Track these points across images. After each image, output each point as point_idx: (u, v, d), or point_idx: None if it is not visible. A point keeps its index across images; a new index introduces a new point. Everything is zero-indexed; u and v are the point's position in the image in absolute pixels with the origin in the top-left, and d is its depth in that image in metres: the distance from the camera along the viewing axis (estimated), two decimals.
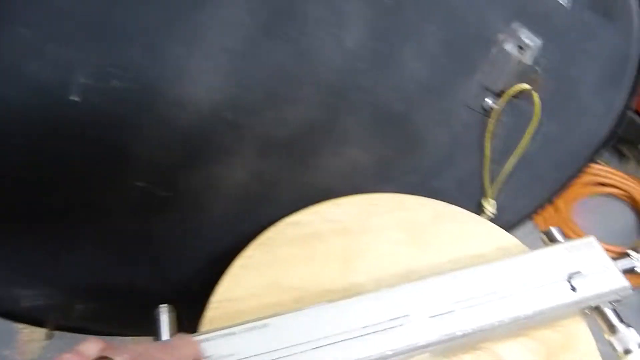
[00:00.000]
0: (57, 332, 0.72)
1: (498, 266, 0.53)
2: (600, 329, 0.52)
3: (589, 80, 0.72)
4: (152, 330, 0.49)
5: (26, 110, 0.49)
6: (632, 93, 0.77)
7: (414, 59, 0.58)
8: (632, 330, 0.49)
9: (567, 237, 0.58)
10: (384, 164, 0.67)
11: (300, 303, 0.56)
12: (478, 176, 0.73)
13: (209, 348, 0.46)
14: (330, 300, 0.50)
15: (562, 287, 0.51)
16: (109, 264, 0.65)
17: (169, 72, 0.51)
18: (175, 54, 0.50)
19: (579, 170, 0.90)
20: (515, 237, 0.62)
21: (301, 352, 0.47)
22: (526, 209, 0.92)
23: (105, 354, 0.34)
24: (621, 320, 0.50)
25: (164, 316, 0.50)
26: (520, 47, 0.61)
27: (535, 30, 0.61)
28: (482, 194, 0.76)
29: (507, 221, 0.88)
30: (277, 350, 0.46)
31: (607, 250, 0.56)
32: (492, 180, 0.73)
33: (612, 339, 0.50)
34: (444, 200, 0.67)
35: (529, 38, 0.61)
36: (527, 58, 0.62)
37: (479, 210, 0.77)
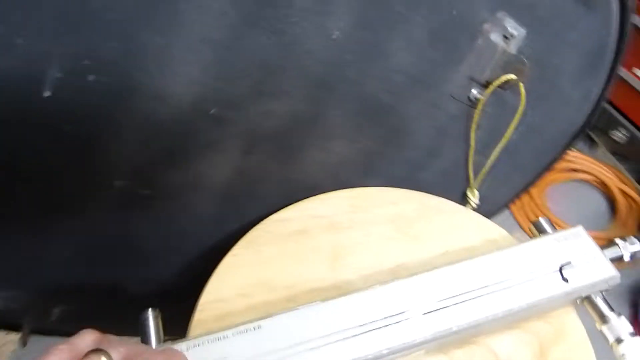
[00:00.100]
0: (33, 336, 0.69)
1: (489, 259, 0.53)
2: (591, 318, 0.52)
3: (569, 70, 0.72)
4: (134, 331, 0.47)
5: None
6: (609, 82, 0.78)
7: (401, 50, 0.57)
8: (622, 318, 0.50)
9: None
10: (369, 157, 0.66)
11: (291, 302, 0.55)
12: (462, 167, 0.73)
13: (201, 353, 0.44)
14: (324, 299, 0.49)
15: (554, 279, 0.51)
16: (88, 265, 0.63)
17: (148, 64, 0.48)
18: (154, 45, 0.47)
19: (556, 159, 0.91)
20: None
21: (297, 353, 0.45)
22: (506, 198, 0.92)
23: (100, 347, 0.33)
24: (611, 309, 0.51)
25: (151, 320, 0.48)
26: (506, 37, 0.61)
27: (520, 19, 0.61)
28: (467, 184, 0.75)
29: (488, 211, 0.88)
30: (272, 352, 0.45)
31: None
32: (477, 171, 0.73)
33: (604, 329, 0.50)
34: (429, 192, 0.66)
35: (513, 27, 0.60)
36: (512, 48, 0.61)
37: (463, 200, 0.77)
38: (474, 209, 0.76)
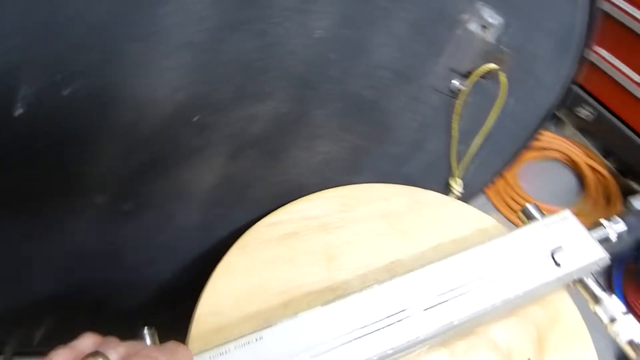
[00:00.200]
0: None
1: (483, 250, 0.53)
2: (584, 300, 0.53)
3: (542, 55, 0.73)
4: None
5: None
6: (580, 63, 0.80)
7: (382, 46, 0.56)
8: (614, 297, 0.51)
9: (516, 202, 0.59)
10: (355, 154, 0.65)
11: (287, 308, 0.54)
12: (445, 157, 0.73)
13: None
14: (325, 304, 0.48)
15: (547, 264, 0.52)
16: (69, 284, 0.60)
17: (127, 73, 0.46)
18: (132, 53, 0.45)
19: (530, 140, 0.92)
20: None
21: None
22: (483, 183, 0.94)
23: (99, 349, 0.33)
24: (603, 290, 0.52)
25: (147, 339, 0.46)
26: (484, 26, 0.61)
27: (497, 8, 0.61)
28: (449, 174, 0.76)
29: (466, 196, 0.89)
30: None
31: (552, 211, 0.58)
32: (458, 160, 0.73)
33: (597, 309, 0.51)
34: (414, 185, 0.66)
35: (491, 16, 0.61)
36: (491, 37, 0.62)
37: (446, 190, 0.77)
38: (458, 198, 0.77)
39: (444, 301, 0.49)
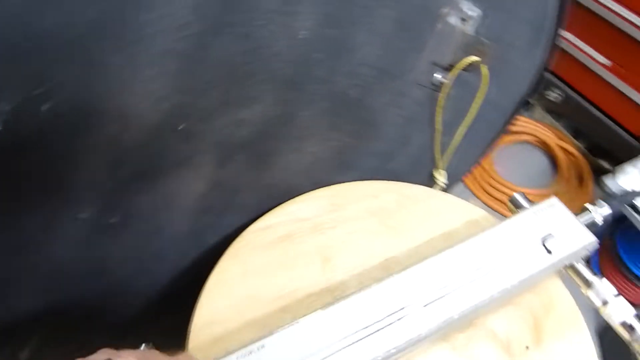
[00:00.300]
0: None
1: (476, 242, 0.54)
2: (575, 284, 0.55)
3: (518, 44, 0.74)
4: None
5: None
6: (552, 49, 0.81)
7: (366, 44, 0.56)
8: (605, 281, 0.53)
9: (493, 187, 0.60)
10: (342, 152, 0.65)
11: (285, 312, 0.53)
12: (429, 150, 0.73)
13: None
14: (324, 307, 0.48)
15: (539, 252, 0.53)
16: (57, 301, 0.58)
17: (109, 84, 0.44)
18: (114, 64, 0.43)
19: (506, 127, 0.94)
20: None
21: None
22: (463, 171, 0.95)
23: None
24: (594, 274, 0.53)
25: None
26: (463, 19, 0.61)
27: (475, 0, 0.61)
28: (433, 166, 0.76)
29: (448, 187, 0.90)
30: None
31: (528, 194, 0.59)
32: (443, 151, 0.74)
33: (589, 293, 0.53)
34: (400, 180, 0.66)
35: (469, 9, 0.61)
36: (470, 29, 0.62)
37: (431, 182, 0.78)
38: (443, 189, 0.77)
39: (443, 296, 0.50)
